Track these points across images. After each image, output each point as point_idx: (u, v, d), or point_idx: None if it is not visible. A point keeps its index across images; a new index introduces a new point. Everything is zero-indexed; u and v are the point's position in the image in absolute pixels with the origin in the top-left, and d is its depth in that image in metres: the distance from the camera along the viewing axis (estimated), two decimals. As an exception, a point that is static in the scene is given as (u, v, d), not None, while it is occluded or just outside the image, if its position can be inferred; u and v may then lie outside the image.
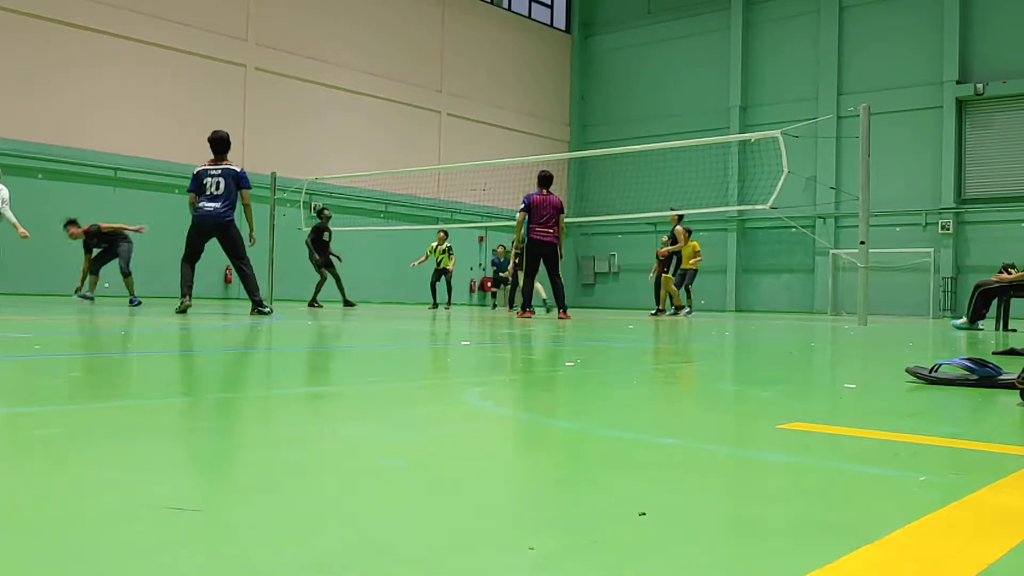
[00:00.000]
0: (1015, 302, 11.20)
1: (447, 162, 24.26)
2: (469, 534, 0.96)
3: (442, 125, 25.71)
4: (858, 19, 24.44)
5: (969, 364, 2.83)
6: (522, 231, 11.02)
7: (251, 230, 9.20)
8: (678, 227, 15.32)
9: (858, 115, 11.78)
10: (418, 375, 3.20)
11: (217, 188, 8.81)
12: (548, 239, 10.84)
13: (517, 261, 13.32)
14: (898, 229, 23.47)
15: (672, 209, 16.55)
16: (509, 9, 28.23)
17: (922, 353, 5.16)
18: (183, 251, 8.89)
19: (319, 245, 14.52)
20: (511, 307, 17.32)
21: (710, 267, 16.68)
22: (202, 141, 9.76)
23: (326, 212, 15.07)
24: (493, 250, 20.56)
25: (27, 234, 11.89)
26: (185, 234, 8.94)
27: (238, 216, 9.18)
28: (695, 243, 15.47)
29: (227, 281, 19.90)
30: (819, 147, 24.10)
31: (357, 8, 23.53)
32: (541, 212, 10.83)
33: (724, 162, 25.63)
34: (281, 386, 2.66)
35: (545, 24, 29.52)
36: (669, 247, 15.48)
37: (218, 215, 8.77)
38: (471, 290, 25.93)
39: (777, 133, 11.75)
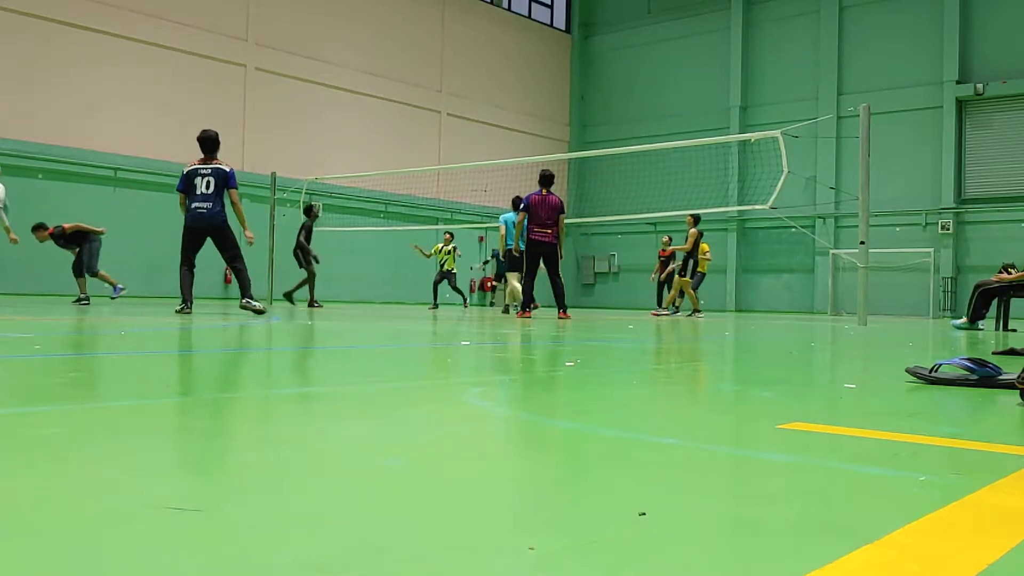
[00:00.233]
0: (1015, 302, 11.21)
1: (447, 162, 24.26)
2: (469, 534, 0.96)
3: (442, 125, 25.72)
4: (858, 19, 24.44)
5: (969, 364, 2.83)
6: (521, 231, 11.02)
7: (244, 229, 9.15)
8: (693, 230, 15.13)
9: (858, 115, 11.78)
10: (418, 375, 3.20)
11: (207, 187, 8.79)
12: (547, 239, 10.84)
13: (506, 261, 13.23)
14: (898, 229, 23.46)
15: (689, 214, 16.08)
16: (509, 9, 28.23)
17: (922, 353, 5.16)
18: (180, 256, 8.86)
19: (308, 242, 14.59)
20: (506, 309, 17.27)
21: (710, 267, 16.65)
22: (202, 141, 9.76)
23: (315, 210, 15.09)
24: (493, 249, 20.55)
25: (17, 239, 11.83)
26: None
27: (230, 216, 9.17)
28: (705, 245, 15.44)
29: (227, 281, 19.90)
30: (819, 147, 24.10)
31: (357, 8, 23.53)
32: (540, 212, 10.83)
33: (724, 162, 25.63)
34: (281, 386, 2.66)
35: (545, 24, 29.52)
36: (676, 246, 15.52)
37: (212, 215, 8.76)
38: (471, 290, 25.95)
39: (777, 133, 11.75)
